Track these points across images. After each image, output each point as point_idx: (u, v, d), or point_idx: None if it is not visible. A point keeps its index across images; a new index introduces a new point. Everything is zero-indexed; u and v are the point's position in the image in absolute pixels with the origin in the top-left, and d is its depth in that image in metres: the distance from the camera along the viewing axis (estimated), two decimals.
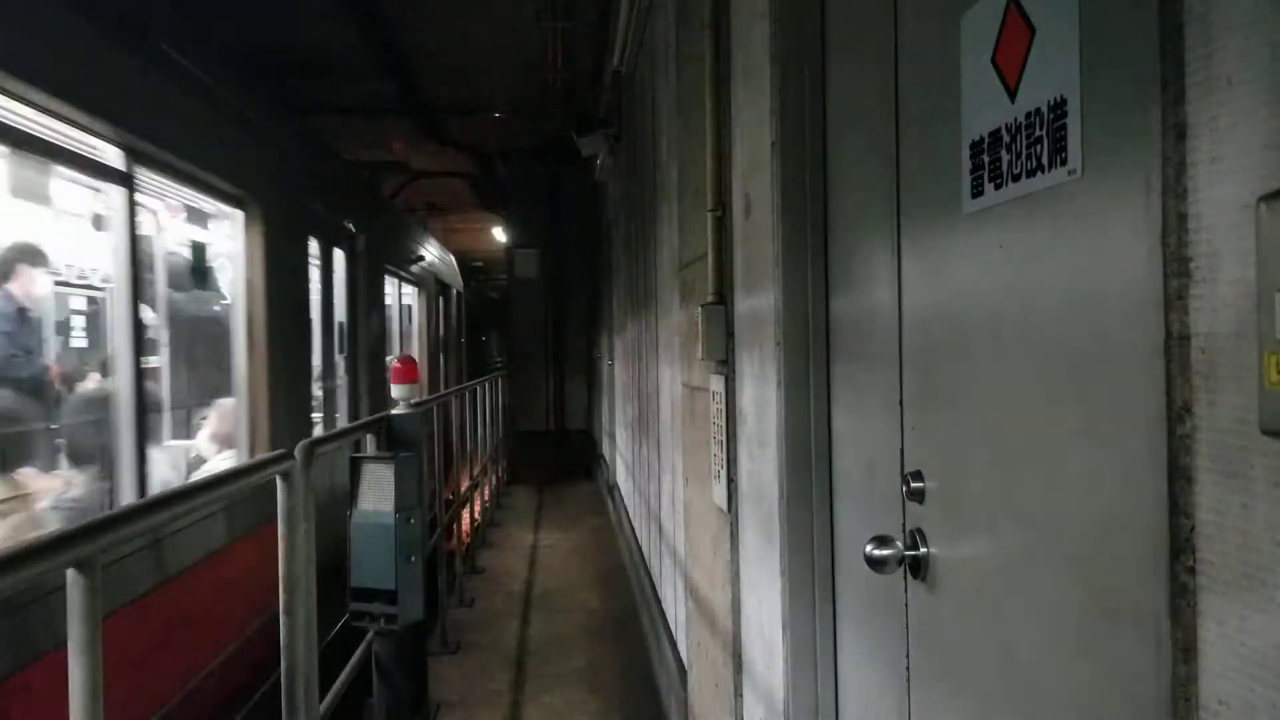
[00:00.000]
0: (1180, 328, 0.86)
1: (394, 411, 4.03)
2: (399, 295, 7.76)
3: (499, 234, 14.74)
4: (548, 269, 13.65)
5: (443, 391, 9.06)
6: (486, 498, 9.62)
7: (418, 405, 4.20)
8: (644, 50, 5.90)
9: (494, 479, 10.58)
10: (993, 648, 1.35)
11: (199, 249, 4.11)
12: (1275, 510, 0.76)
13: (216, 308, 4.31)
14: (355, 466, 3.61)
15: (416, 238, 8.36)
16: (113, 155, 3.13)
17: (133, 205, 3.19)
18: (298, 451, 2.55)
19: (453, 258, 10.98)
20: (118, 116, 3.07)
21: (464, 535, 7.37)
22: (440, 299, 9.75)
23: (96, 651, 1.46)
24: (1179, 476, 0.86)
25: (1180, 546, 0.86)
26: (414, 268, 8.07)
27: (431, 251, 8.99)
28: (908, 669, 1.66)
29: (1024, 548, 1.25)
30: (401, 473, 3.55)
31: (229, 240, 4.06)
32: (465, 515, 7.38)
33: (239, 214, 4.03)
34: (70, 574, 1.44)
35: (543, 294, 13.70)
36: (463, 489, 7.69)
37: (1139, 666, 0.95)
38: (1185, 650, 0.86)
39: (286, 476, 2.48)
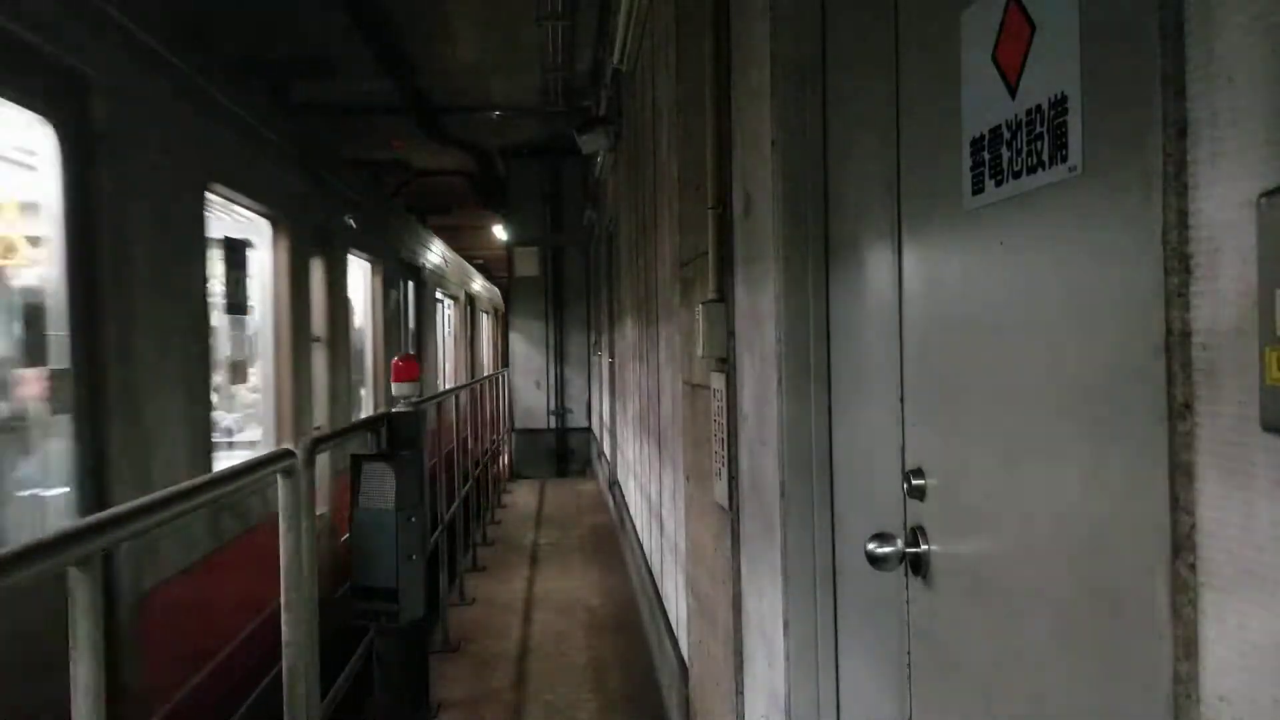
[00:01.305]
0: (1181, 324, 0.86)
1: (395, 410, 4.03)
2: (482, 320, 14.76)
3: (499, 232, 14.74)
4: (548, 267, 13.66)
5: (443, 390, 9.24)
6: (490, 483, 9.65)
7: (418, 403, 4.20)
8: (644, 48, 5.89)
9: (494, 475, 10.60)
10: (993, 645, 1.35)
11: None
12: (1276, 507, 0.76)
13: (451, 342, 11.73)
14: (356, 465, 3.61)
15: (493, 290, 16.34)
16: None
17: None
18: (299, 450, 2.55)
19: (498, 291, 17.25)
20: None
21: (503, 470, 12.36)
22: (494, 316, 17.06)
23: (99, 650, 1.46)
24: (1180, 473, 0.86)
25: (1181, 543, 0.86)
26: (488, 305, 15.48)
27: (494, 293, 16.63)
28: (909, 666, 1.66)
29: (1025, 545, 1.25)
30: (402, 471, 3.55)
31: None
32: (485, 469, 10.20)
33: (452, 301, 11.22)
34: (73, 572, 1.44)
35: (543, 292, 13.71)
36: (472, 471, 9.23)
37: (1140, 663, 0.95)
38: (1187, 647, 0.86)
39: (288, 474, 2.48)
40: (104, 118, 2.82)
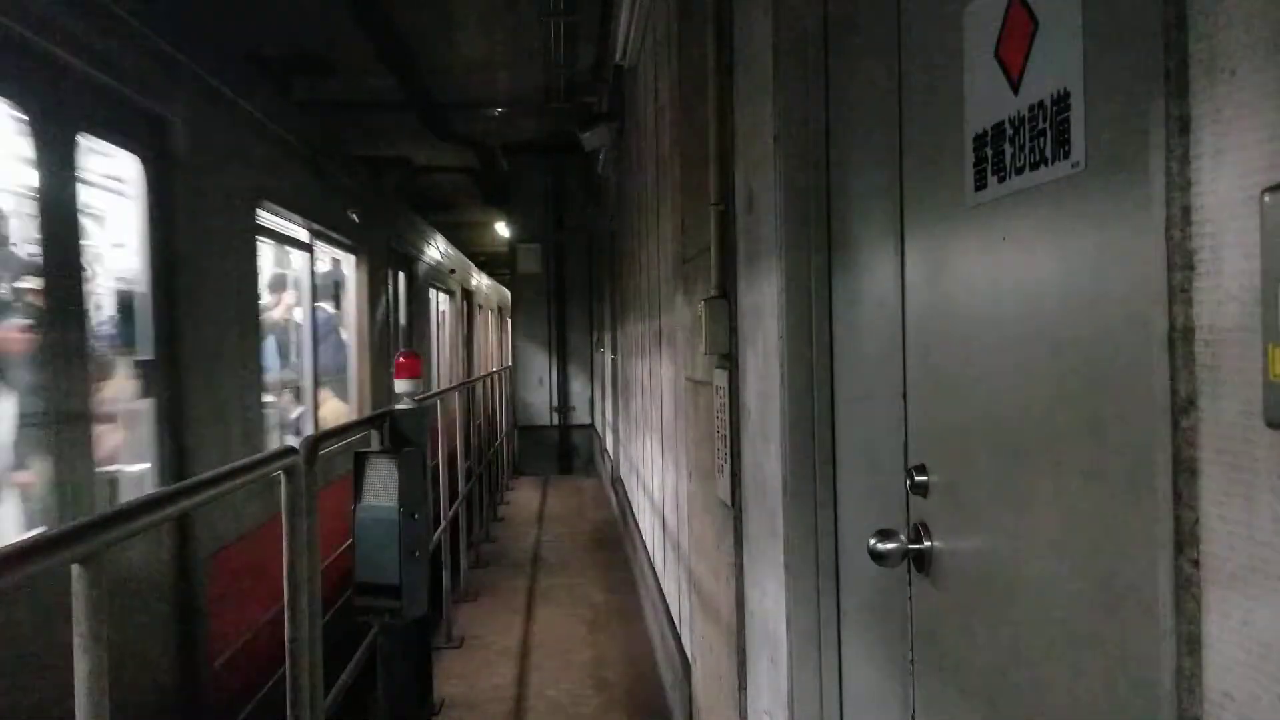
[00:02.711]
0: (1184, 320, 0.86)
1: (397, 407, 4.03)
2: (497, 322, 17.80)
3: (502, 229, 14.76)
4: (551, 264, 13.66)
5: (442, 388, 9.26)
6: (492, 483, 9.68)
7: (421, 400, 4.21)
8: (646, 44, 5.89)
9: (496, 472, 10.62)
10: (996, 641, 1.35)
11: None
12: (1279, 503, 0.76)
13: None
14: (360, 462, 3.61)
15: (505, 297, 17.89)
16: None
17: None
18: (301, 447, 2.55)
19: (507, 292, 17.81)
20: None
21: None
22: (505, 316, 18.98)
23: (102, 648, 1.46)
24: (1183, 469, 0.86)
25: (1184, 539, 0.86)
26: (498, 307, 18.14)
27: (504, 294, 17.97)
28: (911, 663, 1.66)
29: (1027, 541, 1.25)
30: (405, 468, 3.55)
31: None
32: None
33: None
34: (75, 569, 1.44)
35: (546, 289, 13.72)
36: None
37: (1143, 660, 0.95)
38: (1190, 643, 0.86)
39: (290, 471, 2.48)
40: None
